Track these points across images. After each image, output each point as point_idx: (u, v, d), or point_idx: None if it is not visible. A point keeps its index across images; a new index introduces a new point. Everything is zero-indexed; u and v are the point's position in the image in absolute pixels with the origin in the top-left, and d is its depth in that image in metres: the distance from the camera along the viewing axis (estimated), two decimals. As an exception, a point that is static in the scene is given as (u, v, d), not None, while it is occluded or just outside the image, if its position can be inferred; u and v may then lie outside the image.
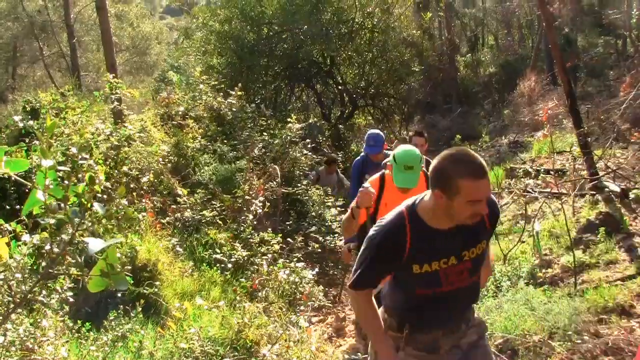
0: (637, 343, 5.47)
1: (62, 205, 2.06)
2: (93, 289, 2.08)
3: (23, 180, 2.20)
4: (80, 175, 2.26)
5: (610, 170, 10.02)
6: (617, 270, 7.26)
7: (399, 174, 4.70)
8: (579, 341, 5.63)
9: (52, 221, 2.11)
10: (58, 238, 2.33)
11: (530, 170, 11.51)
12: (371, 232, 3.23)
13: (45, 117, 8.31)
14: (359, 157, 7.50)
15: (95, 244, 1.93)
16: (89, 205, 2.09)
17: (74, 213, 2.06)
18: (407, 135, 10.51)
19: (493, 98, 25.18)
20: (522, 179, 11.20)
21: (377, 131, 7.37)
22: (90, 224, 2.15)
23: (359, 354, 6.37)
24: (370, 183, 5.13)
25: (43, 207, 2.14)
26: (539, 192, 10.19)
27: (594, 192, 9.53)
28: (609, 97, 16.73)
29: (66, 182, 2.06)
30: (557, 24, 21.49)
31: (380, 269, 3.25)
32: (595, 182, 9.53)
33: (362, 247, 3.26)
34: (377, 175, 5.29)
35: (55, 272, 2.85)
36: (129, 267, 5.31)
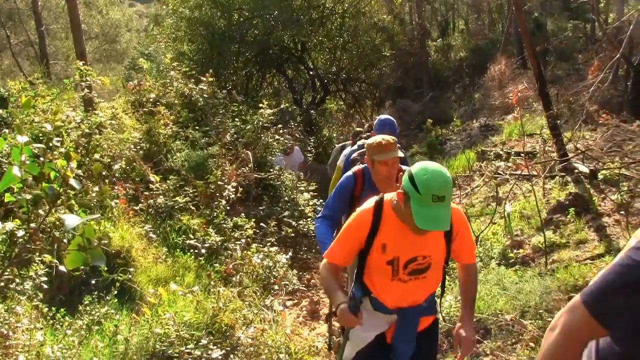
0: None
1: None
2: (70, 265, 2.08)
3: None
4: (55, 154, 2.26)
5: (579, 151, 10.14)
6: (586, 249, 7.38)
7: (424, 209, 3.06)
8: (550, 319, 5.71)
9: (29, 197, 2.10)
10: (34, 213, 2.34)
11: (501, 152, 11.60)
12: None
13: (15, 103, 8.24)
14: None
15: (72, 220, 1.92)
16: (67, 180, 2.10)
17: (51, 189, 2.06)
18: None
19: (464, 82, 25.33)
20: (493, 162, 11.31)
21: (390, 117, 5.95)
22: (65, 199, 2.16)
23: (333, 337, 6.42)
24: (360, 214, 3.51)
25: (15, 193, 2.14)
26: (509, 174, 10.28)
27: (564, 174, 9.66)
28: (578, 80, 16.89)
29: (42, 159, 2.06)
30: (527, 8, 21.64)
31: None
32: (565, 163, 9.65)
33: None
34: (371, 203, 3.51)
35: (33, 247, 2.84)
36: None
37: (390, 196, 3.47)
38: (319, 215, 4.89)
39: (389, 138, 4.51)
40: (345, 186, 4.81)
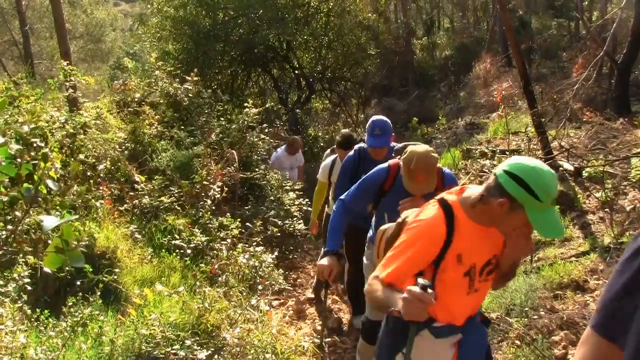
0: (590, 317, 5.59)
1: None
2: (50, 266, 2.06)
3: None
4: (38, 154, 2.24)
5: (564, 149, 10.19)
6: (571, 247, 7.41)
7: (545, 216, 2.67)
8: (536, 317, 5.74)
9: (6, 199, 2.08)
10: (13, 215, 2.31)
11: (486, 151, 11.64)
12: None
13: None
14: (351, 154, 5.75)
15: (50, 221, 1.90)
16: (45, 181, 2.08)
17: (27, 191, 2.04)
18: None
19: (449, 80, 25.40)
20: (479, 160, 11.33)
21: (384, 117, 5.58)
22: (42, 200, 2.14)
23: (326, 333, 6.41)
24: (429, 225, 2.89)
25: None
26: (495, 172, 10.30)
27: (549, 172, 9.69)
28: (562, 78, 16.99)
29: (19, 160, 2.04)
30: (511, 7, 21.75)
31: None
32: (550, 161, 9.68)
33: None
34: (435, 209, 2.92)
35: (12, 249, 2.81)
36: (86, 247, 5.23)
37: (454, 197, 2.95)
38: (342, 197, 4.50)
39: (426, 164, 3.98)
40: (374, 178, 4.43)
